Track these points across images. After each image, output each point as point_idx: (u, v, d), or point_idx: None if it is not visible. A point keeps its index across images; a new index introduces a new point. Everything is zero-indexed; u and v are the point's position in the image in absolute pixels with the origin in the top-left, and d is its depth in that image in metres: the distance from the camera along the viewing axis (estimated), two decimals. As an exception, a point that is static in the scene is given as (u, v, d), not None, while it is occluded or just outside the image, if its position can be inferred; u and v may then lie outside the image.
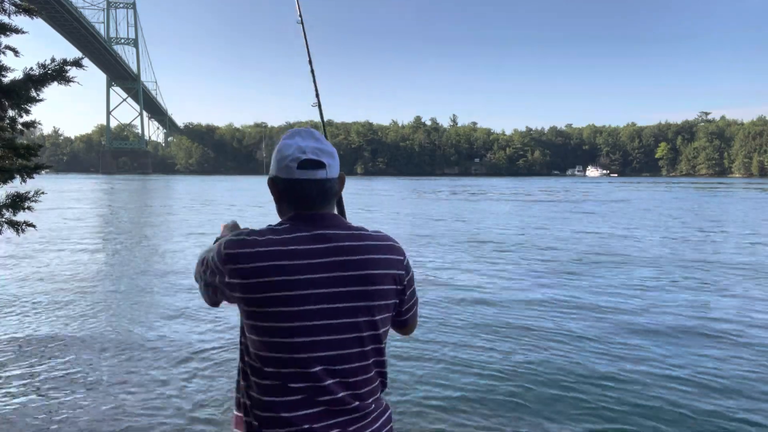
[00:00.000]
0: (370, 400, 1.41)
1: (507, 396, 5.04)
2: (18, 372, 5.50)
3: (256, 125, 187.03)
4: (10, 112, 5.39)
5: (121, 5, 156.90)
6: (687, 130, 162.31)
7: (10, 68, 5.21)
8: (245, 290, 1.33)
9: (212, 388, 5.13)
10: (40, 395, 4.95)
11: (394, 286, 1.44)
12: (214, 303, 1.49)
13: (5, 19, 5.17)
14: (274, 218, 1.51)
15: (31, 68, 5.31)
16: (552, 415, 4.67)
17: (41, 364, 5.74)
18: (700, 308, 8.34)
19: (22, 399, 4.86)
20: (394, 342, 6.53)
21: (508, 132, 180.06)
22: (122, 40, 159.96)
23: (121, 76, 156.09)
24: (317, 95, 1.88)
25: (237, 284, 1.33)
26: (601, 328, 7.25)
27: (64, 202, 33.16)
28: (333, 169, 1.42)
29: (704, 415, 4.69)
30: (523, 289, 9.66)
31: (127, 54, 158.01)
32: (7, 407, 4.66)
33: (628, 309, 8.27)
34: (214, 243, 1.46)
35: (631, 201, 38.53)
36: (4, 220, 5.49)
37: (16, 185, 5.55)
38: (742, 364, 5.89)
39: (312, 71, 1.88)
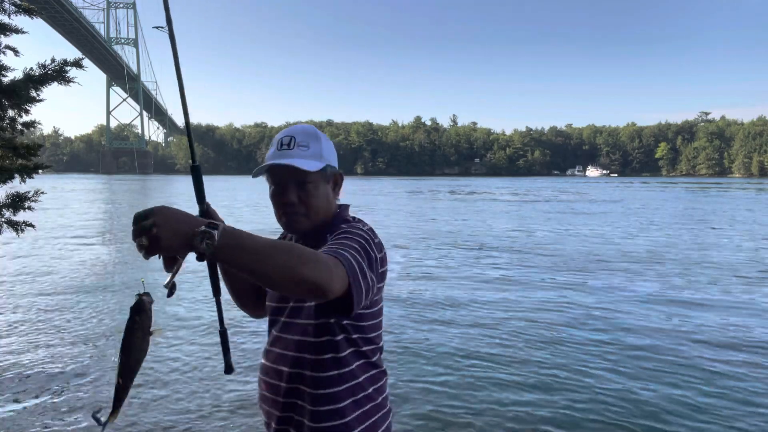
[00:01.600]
0: None
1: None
2: (16, 373, 5.50)
3: (256, 125, 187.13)
4: (10, 112, 5.39)
5: (121, 5, 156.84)
6: (687, 130, 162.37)
7: (10, 68, 5.21)
8: (382, 278, 1.48)
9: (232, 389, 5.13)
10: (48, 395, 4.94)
11: None
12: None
13: (5, 19, 5.17)
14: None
15: (31, 68, 5.31)
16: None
17: (40, 366, 5.74)
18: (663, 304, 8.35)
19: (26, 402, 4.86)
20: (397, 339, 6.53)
21: (508, 132, 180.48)
22: (122, 40, 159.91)
23: (121, 76, 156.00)
24: (185, 110, 1.74)
25: (382, 273, 1.48)
26: (571, 322, 7.25)
27: (64, 202, 33.13)
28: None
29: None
30: (492, 287, 9.66)
31: (127, 54, 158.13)
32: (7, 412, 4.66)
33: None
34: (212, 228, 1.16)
35: (621, 201, 38.51)
36: (4, 220, 5.49)
37: (16, 185, 5.55)
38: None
39: (180, 79, 1.72)
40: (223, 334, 1.72)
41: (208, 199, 1.72)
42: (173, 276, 1.14)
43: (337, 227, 1.54)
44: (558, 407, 4.83)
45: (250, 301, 1.80)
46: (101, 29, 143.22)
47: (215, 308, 1.75)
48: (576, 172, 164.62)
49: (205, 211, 1.62)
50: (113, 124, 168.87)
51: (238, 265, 1.12)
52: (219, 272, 1.66)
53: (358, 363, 1.50)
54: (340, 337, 1.48)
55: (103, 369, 5.62)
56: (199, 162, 1.74)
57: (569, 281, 10.43)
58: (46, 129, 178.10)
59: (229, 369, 1.69)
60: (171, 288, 1.16)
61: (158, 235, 1.04)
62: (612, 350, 6.35)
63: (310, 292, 1.19)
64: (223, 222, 1.25)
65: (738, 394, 5.12)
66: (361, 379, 1.51)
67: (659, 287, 9.92)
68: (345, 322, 1.47)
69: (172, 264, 1.15)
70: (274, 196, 1.55)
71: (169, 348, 6.24)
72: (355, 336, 1.50)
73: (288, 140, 1.52)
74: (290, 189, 1.51)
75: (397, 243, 15.65)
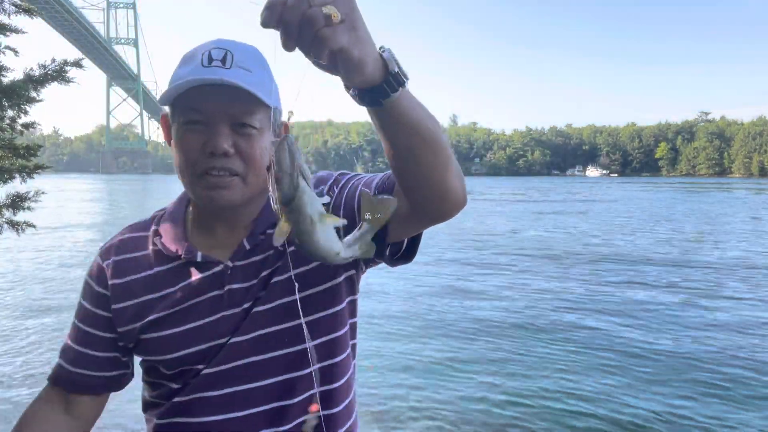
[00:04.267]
0: None
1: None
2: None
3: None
4: (10, 112, 5.39)
5: (121, 5, 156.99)
6: (687, 130, 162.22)
7: (10, 68, 5.22)
8: None
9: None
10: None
11: None
12: None
13: (5, 19, 5.17)
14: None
15: (31, 68, 5.32)
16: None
17: (44, 366, 5.74)
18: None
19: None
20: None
21: (508, 132, 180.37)
22: (122, 40, 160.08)
23: (121, 76, 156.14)
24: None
25: None
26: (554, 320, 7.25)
27: (64, 201, 33.16)
28: None
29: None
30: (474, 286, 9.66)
31: (127, 54, 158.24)
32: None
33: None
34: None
35: (609, 202, 38.53)
36: (4, 220, 5.49)
37: (16, 185, 5.55)
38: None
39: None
40: None
41: None
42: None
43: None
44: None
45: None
46: (101, 29, 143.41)
47: None
48: (576, 172, 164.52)
49: None
50: (113, 124, 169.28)
51: (414, 116, 0.83)
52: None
53: (353, 362, 1.21)
54: (346, 327, 1.16)
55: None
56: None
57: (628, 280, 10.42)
58: (46, 129, 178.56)
59: None
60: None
61: (355, 22, 0.70)
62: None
63: (447, 196, 0.93)
64: None
65: None
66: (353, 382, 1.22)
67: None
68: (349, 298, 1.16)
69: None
70: (186, 141, 1.02)
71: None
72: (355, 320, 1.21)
73: (221, 55, 1.01)
74: (221, 130, 1.00)
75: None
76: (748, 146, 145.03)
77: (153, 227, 1.17)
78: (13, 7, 5.21)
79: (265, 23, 0.64)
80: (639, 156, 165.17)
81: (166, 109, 1.07)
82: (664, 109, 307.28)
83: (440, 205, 0.93)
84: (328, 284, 1.10)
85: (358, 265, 1.14)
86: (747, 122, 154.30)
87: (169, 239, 1.12)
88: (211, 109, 0.99)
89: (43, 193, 5.68)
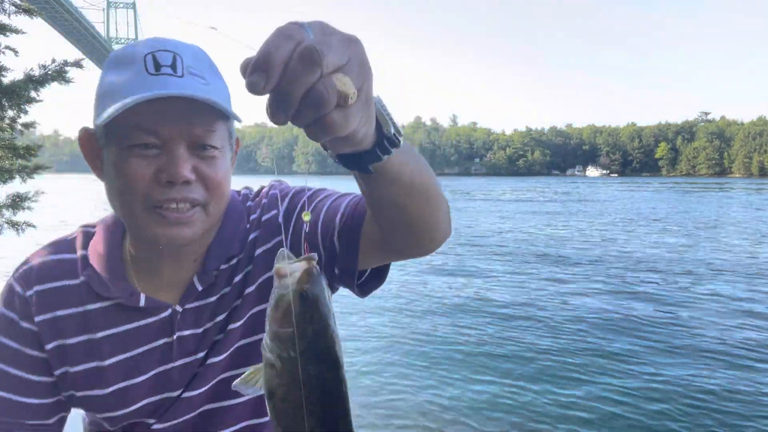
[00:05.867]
0: None
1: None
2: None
3: (256, 125, 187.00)
4: (10, 112, 5.40)
5: (121, 5, 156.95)
6: (687, 130, 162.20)
7: (10, 68, 5.22)
8: None
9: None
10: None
11: None
12: None
13: (5, 19, 5.18)
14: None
15: (32, 69, 5.32)
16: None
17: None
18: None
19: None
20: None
21: (508, 132, 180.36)
22: (122, 40, 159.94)
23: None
24: None
25: None
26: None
27: (64, 201, 33.14)
28: None
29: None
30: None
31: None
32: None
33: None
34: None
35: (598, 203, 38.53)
36: (4, 220, 5.50)
37: (16, 185, 5.56)
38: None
39: None
40: None
41: None
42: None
43: (236, 222, 0.97)
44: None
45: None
46: (101, 29, 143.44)
47: None
48: (576, 172, 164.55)
49: None
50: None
51: (406, 174, 0.70)
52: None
53: None
54: None
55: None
56: None
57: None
58: (46, 129, 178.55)
59: None
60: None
61: (369, 95, 0.54)
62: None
63: (430, 238, 0.82)
64: None
65: None
66: None
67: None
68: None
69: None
70: (131, 169, 0.82)
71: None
72: None
73: (169, 59, 0.83)
74: (180, 154, 0.82)
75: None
76: (748, 146, 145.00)
77: (81, 252, 0.97)
78: (13, 7, 5.22)
79: (255, 89, 0.47)
80: (639, 156, 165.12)
81: (88, 123, 0.89)
82: (664, 109, 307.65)
83: (420, 248, 0.84)
84: None
85: None
86: (747, 122, 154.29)
87: (103, 273, 0.94)
88: (167, 130, 0.81)
89: (43, 193, 5.68)
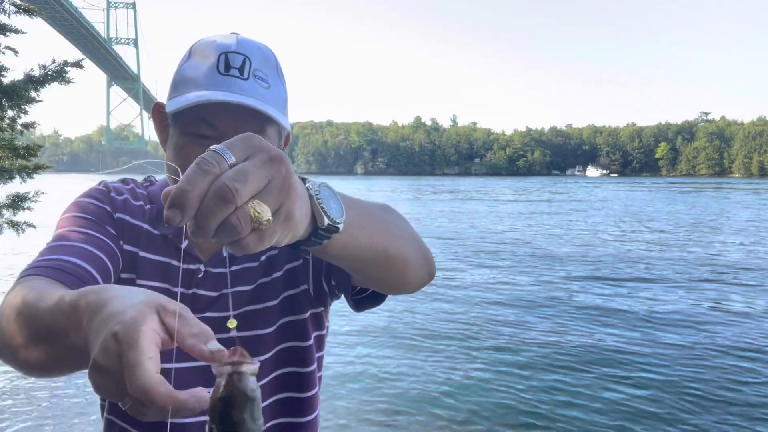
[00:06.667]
0: None
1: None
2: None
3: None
4: (10, 112, 5.40)
5: (121, 5, 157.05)
6: (687, 130, 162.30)
7: (10, 68, 5.23)
8: None
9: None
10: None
11: None
12: None
13: (5, 19, 5.18)
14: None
15: (32, 69, 5.33)
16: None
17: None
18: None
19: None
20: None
21: (508, 132, 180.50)
22: (122, 40, 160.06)
23: (121, 76, 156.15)
24: None
25: None
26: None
27: (64, 201, 33.14)
28: None
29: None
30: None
31: (127, 54, 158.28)
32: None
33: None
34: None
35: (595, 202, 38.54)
36: (4, 220, 5.50)
37: (16, 185, 5.56)
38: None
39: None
40: None
41: None
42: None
43: None
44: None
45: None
46: (101, 29, 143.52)
47: None
48: (576, 172, 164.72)
49: None
50: (113, 124, 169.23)
51: (355, 248, 0.70)
52: None
53: None
54: None
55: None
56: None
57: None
58: (46, 129, 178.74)
59: None
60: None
61: (291, 209, 0.55)
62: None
63: (406, 290, 0.87)
64: None
65: None
66: None
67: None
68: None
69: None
70: (189, 153, 0.92)
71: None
72: None
73: (239, 62, 0.93)
74: None
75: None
76: (748, 146, 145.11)
77: (141, 190, 1.10)
78: (13, 7, 5.22)
79: (172, 223, 0.49)
80: (639, 156, 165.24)
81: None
82: (664, 109, 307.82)
83: (399, 293, 0.89)
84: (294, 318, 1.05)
85: (326, 301, 1.08)
86: (747, 122, 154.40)
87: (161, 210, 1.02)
88: (224, 127, 0.91)
89: (43, 193, 5.69)
